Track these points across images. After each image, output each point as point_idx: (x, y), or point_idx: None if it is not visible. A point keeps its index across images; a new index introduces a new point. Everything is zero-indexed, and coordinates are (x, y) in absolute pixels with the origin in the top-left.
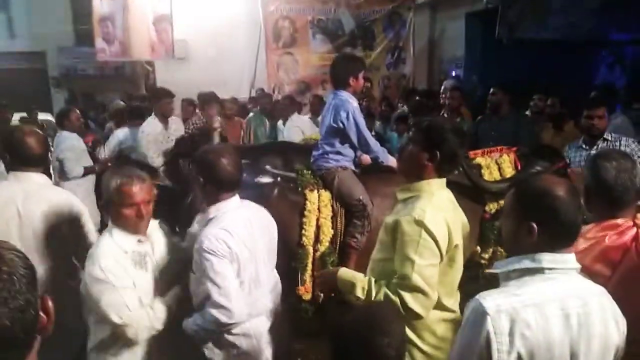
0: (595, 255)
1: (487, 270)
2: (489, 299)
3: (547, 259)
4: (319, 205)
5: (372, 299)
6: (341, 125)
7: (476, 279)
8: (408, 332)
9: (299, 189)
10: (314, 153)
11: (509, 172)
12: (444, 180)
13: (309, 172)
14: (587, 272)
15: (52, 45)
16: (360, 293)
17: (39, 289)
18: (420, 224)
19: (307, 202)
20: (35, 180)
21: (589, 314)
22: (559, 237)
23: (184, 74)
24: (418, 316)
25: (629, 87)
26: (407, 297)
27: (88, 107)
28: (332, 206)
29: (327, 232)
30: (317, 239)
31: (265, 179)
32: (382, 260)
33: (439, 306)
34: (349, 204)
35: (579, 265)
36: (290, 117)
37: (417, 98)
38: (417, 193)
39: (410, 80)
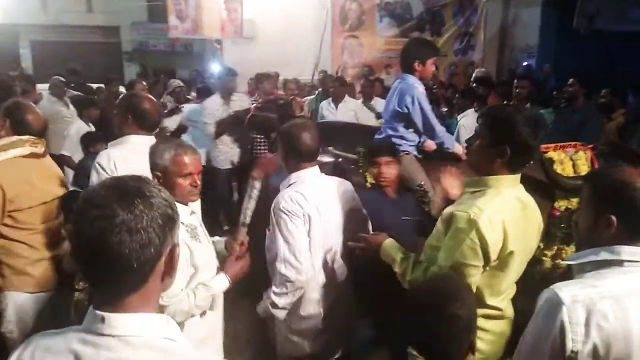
0: None
1: (561, 262)
2: (565, 289)
3: (627, 251)
4: None
5: (407, 278)
6: (406, 109)
7: (532, 276)
8: None
9: (360, 170)
10: (377, 137)
11: (584, 169)
12: (516, 176)
13: None
14: None
15: (126, 21)
16: (397, 268)
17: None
18: (473, 223)
19: (367, 183)
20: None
21: None
22: (636, 230)
23: (251, 53)
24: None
25: None
26: None
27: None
28: None
29: None
30: None
31: (326, 158)
32: (433, 247)
33: (481, 304)
34: (411, 188)
35: None
36: (343, 99)
37: (472, 84)
38: (484, 188)
39: (478, 67)
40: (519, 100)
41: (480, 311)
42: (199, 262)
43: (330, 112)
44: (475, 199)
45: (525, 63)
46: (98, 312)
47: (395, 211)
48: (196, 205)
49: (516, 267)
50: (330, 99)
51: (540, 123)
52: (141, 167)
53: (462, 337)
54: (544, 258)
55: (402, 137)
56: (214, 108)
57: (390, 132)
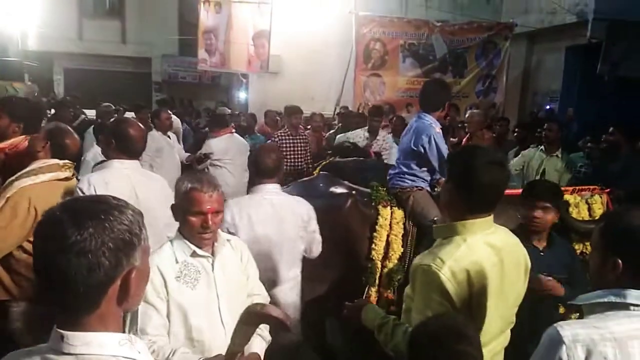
0: None
1: (570, 302)
2: (567, 328)
3: (633, 294)
4: (390, 222)
5: (389, 347)
6: (422, 149)
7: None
8: None
9: (373, 203)
10: (390, 172)
11: (599, 213)
12: (487, 220)
13: (384, 188)
14: None
15: (157, 53)
16: (378, 336)
17: (129, 264)
18: (435, 278)
19: (380, 217)
20: (137, 167)
21: None
22: None
23: (275, 87)
24: None
25: None
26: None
27: (185, 112)
28: (404, 225)
29: (397, 249)
30: (386, 255)
31: (340, 189)
32: (408, 296)
33: None
34: (423, 224)
35: None
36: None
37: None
38: (449, 235)
39: (500, 109)
40: (547, 143)
41: None
42: (186, 306)
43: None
44: (440, 249)
45: (547, 107)
46: (58, 330)
47: (541, 265)
48: (224, 241)
49: (496, 316)
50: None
51: (504, 164)
52: (122, 192)
53: None
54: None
55: (414, 175)
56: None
57: (404, 169)
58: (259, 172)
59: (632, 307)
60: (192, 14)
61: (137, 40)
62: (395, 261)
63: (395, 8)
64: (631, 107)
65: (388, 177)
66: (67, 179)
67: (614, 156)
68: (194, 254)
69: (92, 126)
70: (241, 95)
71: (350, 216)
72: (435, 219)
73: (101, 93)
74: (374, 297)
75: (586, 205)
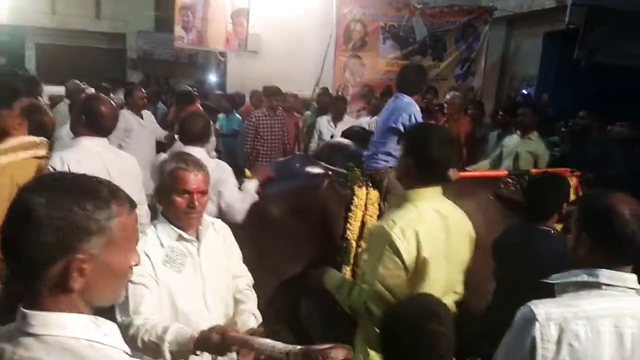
0: None
1: (544, 280)
2: (540, 307)
3: (605, 274)
4: (366, 202)
5: (346, 304)
6: (401, 127)
7: None
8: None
9: (348, 184)
10: (365, 153)
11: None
12: (435, 189)
13: (359, 169)
14: None
15: (132, 29)
16: (338, 296)
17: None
18: (387, 236)
19: (355, 197)
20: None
21: None
22: (614, 254)
23: (254, 67)
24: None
25: None
26: (371, 305)
27: (161, 91)
28: (379, 205)
29: None
30: (360, 235)
31: (316, 170)
32: (365, 261)
33: None
34: None
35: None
36: (342, 119)
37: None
38: (402, 202)
39: (477, 93)
40: (522, 128)
41: None
42: (173, 290)
43: (329, 130)
44: (393, 214)
45: (524, 91)
46: (21, 308)
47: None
48: (208, 224)
49: (441, 277)
50: (330, 117)
51: (452, 142)
52: (94, 169)
53: (444, 355)
54: None
55: (389, 154)
56: None
57: (380, 148)
58: (187, 137)
59: (603, 287)
60: None
61: (112, 16)
62: None
63: None
64: (607, 93)
65: (363, 159)
66: (44, 157)
67: (585, 139)
68: (179, 238)
69: (67, 102)
70: (219, 74)
71: (327, 196)
72: None
73: (74, 69)
74: (348, 275)
75: None
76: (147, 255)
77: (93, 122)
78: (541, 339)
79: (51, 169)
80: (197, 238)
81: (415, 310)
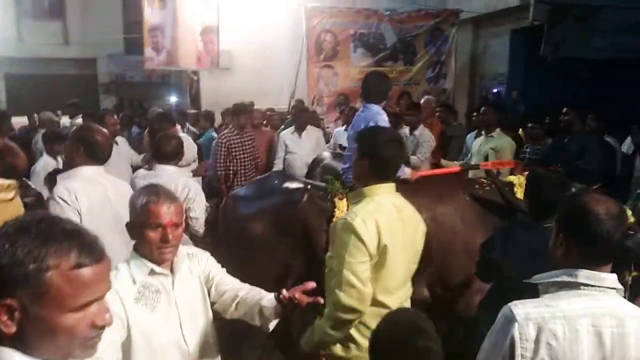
0: None
1: (526, 280)
2: (520, 307)
3: (583, 274)
4: None
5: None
6: None
7: None
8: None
9: (329, 196)
10: (342, 166)
11: None
12: (390, 185)
13: (339, 181)
14: None
15: (102, 53)
16: (320, 343)
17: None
18: (350, 226)
19: (336, 210)
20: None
21: (624, 335)
22: (590, 254)
23: (228, 84)
24: (355, 310)
25: None
26: (342, 295)
27: (135, 114)
28: None
29: None
30: None
31: (295, 185)
32: (330, 257)
33: (374, 302)
34: None
35: (619, 286)
36: (305, 129)
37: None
38: (360, 198)
39: (450, 95)
40: (485, 126)
41: (373, 310)
42: (147, 329)
43: (293, 141)
44: (354, 207)
45: (494, 90)
46: None
47: None
48: (184, 256)
49: (400, 265)
50: (293, 128)
51: (399, 141)
52: (98, 197)
53: None
54: None
55: None
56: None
57: None
58: (161, 155)
59: (582, 287)
60: (137, 11)
61: (81, 41)
62: None
63: None
64: (575, 88)
65: (341, 172)
66: (11, 199)
67: (568, 135)
68: (152, 273)
69: (41, 135)
70: (193, 93)
71: (307, 210)
72: None
73: (45, 98)
74: None
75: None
76: (118, 295)
77: (91, 151)
78: (520, 339)
79: (59, 199)
80: (172, 271)
81: (402, 329)
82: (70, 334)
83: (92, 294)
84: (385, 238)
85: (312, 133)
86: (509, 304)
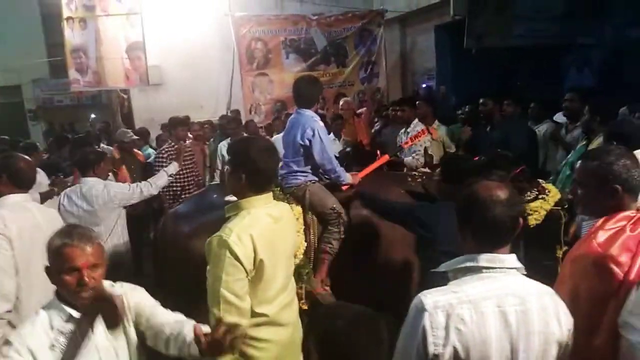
0: (619, 245)
1: (433, 270)
2: (429, 296)
3: (484, 258)
4: None
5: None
6: (307, 142)
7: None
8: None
9: None
10: (281, 172)
11: None
12: (267, 196)
13: (278, 188)
14: (614, 263)
15: (26, 79)
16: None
17: None
18: (225, 244)
19: None
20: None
21: (526, 312)
22: (485, 239)
23: (161, 100)
24: (236, 325)
25: (597, 88)
26: (221, 313)
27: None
28: (304, 219)
29: (301, 245)
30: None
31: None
32: (208, 271)
33: (253, 314)
34: (323, 212)
35: (519, 265)
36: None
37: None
38: (237, 211)
39: (384, 93)
40: (421, 119)
41: (251, 320)
42: None
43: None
44: (229, 222)
45: (424, 85)
46: None
47: None
48: (103, 296)
49: (279, 274)
50: (229, 139)
51: (272, 151)
52: (30, 224)
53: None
54: None
55: (305, 172)
56: None
57: (295, 167)
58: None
59: (484, 270)
60: (59, 33)
61: (3, 68)
62: (301, 256)
63: (271, 5)
64: (499, 75)
65: (280, 178)
66: None
67: (489, 123)
68: (69, 319)
69: None
70: (125, 111)
71: None
72: (334, 205)
73: None
74: None
75: None
76: (29, 348)
77: (15, 179)
78: (430, 327)
79: None
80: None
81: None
82: None
83: None
84: (261, 253)
85: None
86: (420, 294)
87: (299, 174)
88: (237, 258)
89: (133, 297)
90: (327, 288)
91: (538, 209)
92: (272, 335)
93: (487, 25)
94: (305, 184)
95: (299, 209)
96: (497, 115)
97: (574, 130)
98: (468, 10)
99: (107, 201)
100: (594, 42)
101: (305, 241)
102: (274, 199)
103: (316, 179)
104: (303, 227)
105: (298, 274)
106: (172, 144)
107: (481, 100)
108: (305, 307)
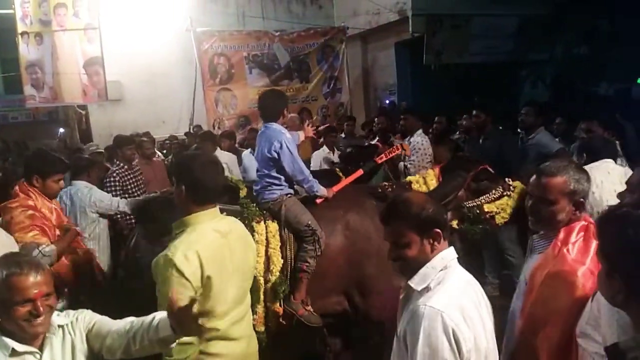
0: (594, 256)
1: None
2: (430, 302)
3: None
4: (267, 236)
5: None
6: (275, 155)
7: None
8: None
9: (246, 221)
10: (255, 187)
11: (433, 185)
12: (212, 211)
13: (254, 204)
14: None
15: None
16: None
17: None
18: (170, 262)
19: (255, 234)
20: None
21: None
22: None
23: (121, 116)
24: (190, 343)
25: (550, 102)
26: None
27: (21, 156)
28: (280, 236)
29: (277, 262)
30: (267, 269)
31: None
32: (158, 290)
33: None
34: (299, 229)
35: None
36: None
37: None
38: (184, 228)
39: (347, 108)
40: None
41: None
42: None
43: None
44: (175, 240)
45: (387, 101)
46: None
47: None
48: (53, 327)
49: (230, 289)
50: None
51: (215, 165)
52: None
53: None
54: None
55: (280, 182)
56: None
57: (270, 181)
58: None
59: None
60: (12, 49)
61: None
62: (278, 274)
63: (233, 21)
64: (458, 91)
65: (255, 193)
66: None
67: (482, 135)
68: (14, 353)
69: None
70: (83, 127)
71: None
72: (309, 222)
73: None
74: (261, 312)
75: (422, 179)
76: None
77: None
78: (456, 325)
79: None
80: (41, 347)
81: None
82: None
83: None
84: (208, 269)
85: (222, 157)
86: (416, 306)
87: (274, 187)
88: (184, 276)
89: (84, 321)
90: (309, 308)
91: (504, 207)
92: (223, 349)
93: (445, 42)
94: (281, 198)
95: (274, 225)
96: (489, 127)
97: (528, 142)
98: (426, 28)
99: (86, 205)
100: (546, 58)
101: (282, 258)
102: (251, 215)
103: (292, 192)
104: (279, 244)
105: (274, 292)
106: (120, 164)
107: (474, 113)
108: (261, 328)
